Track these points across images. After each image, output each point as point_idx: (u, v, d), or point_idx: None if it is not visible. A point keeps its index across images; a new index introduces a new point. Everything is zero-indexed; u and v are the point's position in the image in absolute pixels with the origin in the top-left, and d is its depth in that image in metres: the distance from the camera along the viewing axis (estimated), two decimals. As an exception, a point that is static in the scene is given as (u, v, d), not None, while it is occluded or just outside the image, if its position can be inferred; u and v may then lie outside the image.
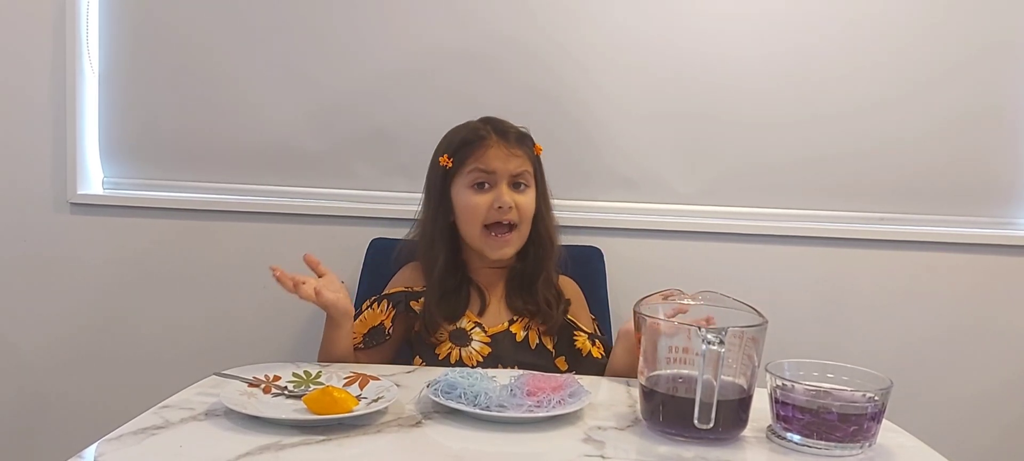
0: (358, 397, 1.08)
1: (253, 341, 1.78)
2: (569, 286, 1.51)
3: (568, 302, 1.45)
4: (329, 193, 1.78)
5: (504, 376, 1.15)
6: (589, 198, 1.77)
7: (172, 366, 1.78)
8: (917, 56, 1.72)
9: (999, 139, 1.75)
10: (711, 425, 0.96)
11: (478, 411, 1.03)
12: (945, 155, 1.75)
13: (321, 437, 0.96)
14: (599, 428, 1.04)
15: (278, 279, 1.22)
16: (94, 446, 0.91)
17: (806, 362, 1.06)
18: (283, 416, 1.01)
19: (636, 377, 1.07)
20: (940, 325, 1.80)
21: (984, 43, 1.72)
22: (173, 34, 1.74)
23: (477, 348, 1.37)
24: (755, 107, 1.73)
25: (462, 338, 1.37)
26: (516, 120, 1.48)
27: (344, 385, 1.12)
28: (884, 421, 1.01)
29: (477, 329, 1.39)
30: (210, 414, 1.02)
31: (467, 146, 1.42)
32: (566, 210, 1.66)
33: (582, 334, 1.42)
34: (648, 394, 1.04)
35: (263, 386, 1.11)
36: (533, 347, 1.40)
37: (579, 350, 1.40)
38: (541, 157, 1.49)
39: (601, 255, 1.69)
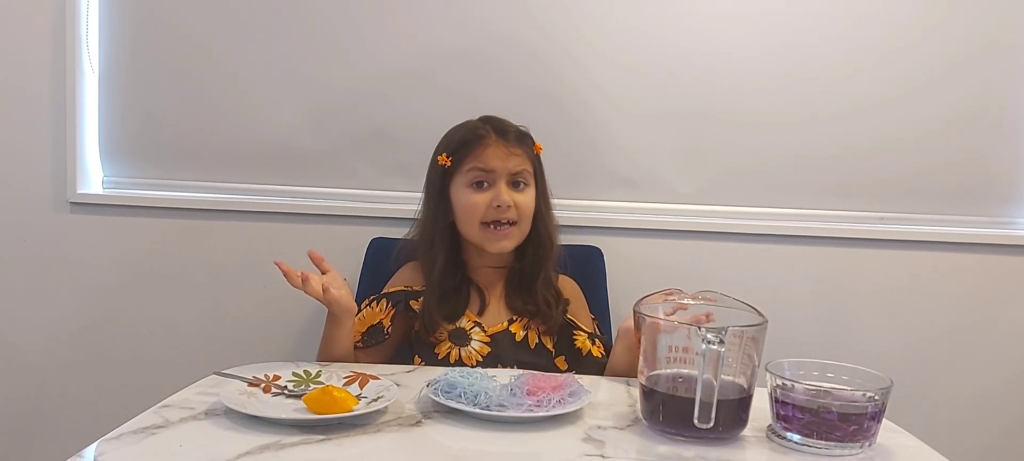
0: (358, 396, 1.08)
1: (253, 340, 1.78)
2: (569, 286, 1.51)
3: (567, 302, 1.45)
4: (329, 193, 1.78)
5: (504, 376, 1.15)
6: (589, 198, 1.77)
7: (172, 365, 1.78)
8: (917, 56, 1.72)
9: (999, 139, 1.75)
10: (711, 425, 0.96)
11: (478, 411, 1.03)
12: (945, 155, 1.75)
13: (321, 436, 0.96)
14: (599, 428, 1.04)
15: (285, 274, 1.22)
16: (94, 446, 0.91)
17: (806, 362, 1.06)
18: (283, 416, 1.01)
19: (636, 376, 1.07)
20: (940, 324, 1.80)
21: (984, 43, 1.72)
22: (173, 34, 1.74)
23: (476, 348, 1.37)
24: (755, 107, 1.74)
25: (462, 338, 1.37)
26: (516, 120, 1.48)
27: (344, 384, 1.12)
28: (884, 421, 1.01)
29: (477, 329, 1.39)
30: (210, 413, 1.02)
31: (466, 145, 1.42)
32: (566, 210, 1.66)
33: (582, 333, 1.42)
34: (648, 394, 1.04)
35: (263, 386, 1.11)
36: (533, 347, 1.40)
37: (579, 349, 1.40)
38: (541, 157, 1.49)
39: (601, 255, 1.69)
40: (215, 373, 1.16)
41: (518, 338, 1.40)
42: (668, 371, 1.03)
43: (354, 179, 1.77)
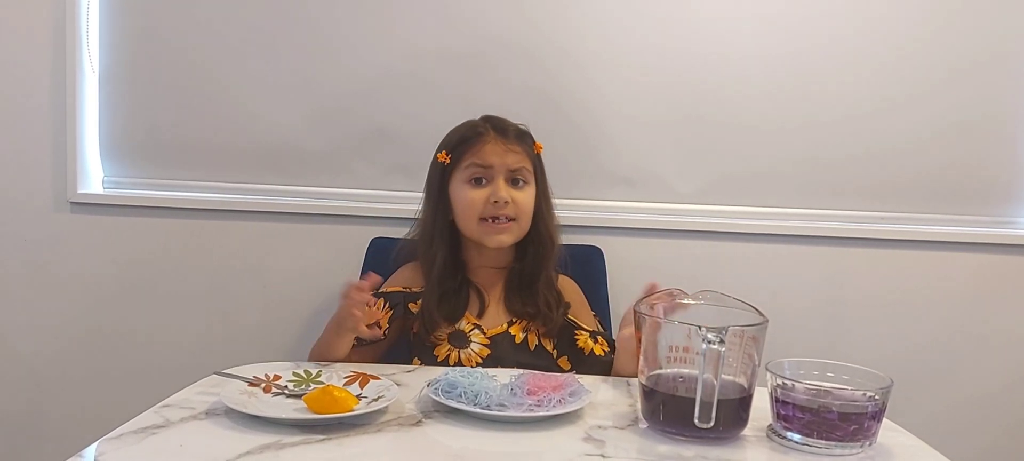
0: (358, 396, 1.08)
1: (253, 340, 1.78)
2: (569, 286, 1.51)
3: (568, 305, 1.45)
4: (329, 193, 1.78)
5: (504, 375, 1.15)
6: (589, 198, 1.77)
7: (172, 365, 1.78)
8: (918, 61, 1.72)
9: (999, 141, 1.75)
10: (711, 424, 0.96)
11: (478, 410, 1.03)
12: (945, 156, 1.75)
13: (321, 436, 0.96)
14: (599, 427, 1.04)
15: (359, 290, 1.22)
16: (94, 446, 0.91)
17: (806, 361, 1.06)
18: (283, 415, 1.01)
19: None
20: (940, 324, 1.80)
21: (984, 48, 1.72)
22: (173, 34, 1.74)
23: (476, 350, 1.36)
24: (755, 108, 1.73)
25: (461, 340, 1.37)
26: (516, 120, 1.48)
27: (344, 384, 1.12)
28: (884, 420, 1.01)
29: (476, 331, 1.39)
30: (210, 413, 1.02)
31: (464, 142, 1.42)
32: (566, 209, 1.66)
33: (583, 333, 1.42)
34: (648, 393, 1.04)
35: (263, 385, 1.11)
36: (532, 349, 1.40)
37: (582, 349, 1.40)
38: (542, 157, 1.49)
39: (601, 254, 1.69)
40: (215, 373, 1.16)
41: (518, 340, 1.40)
42: (668, 371, 1.03)
43: (354, 179, 1.77)
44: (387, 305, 1.40)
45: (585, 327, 1.43)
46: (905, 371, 1.71)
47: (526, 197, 1.42)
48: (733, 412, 1.00)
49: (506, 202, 1.38)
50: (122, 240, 1.79)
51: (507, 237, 1.41)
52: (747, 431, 1.03)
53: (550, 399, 1.05)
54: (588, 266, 1.65)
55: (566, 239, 1.57)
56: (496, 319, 1.42)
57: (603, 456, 0.94)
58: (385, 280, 1.50)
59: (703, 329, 0.96)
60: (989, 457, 1.83)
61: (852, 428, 0.98)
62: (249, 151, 1.77)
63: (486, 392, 1.05)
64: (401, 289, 1.44)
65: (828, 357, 1.08)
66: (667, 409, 1.01)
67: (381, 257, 1.60)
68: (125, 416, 0.99)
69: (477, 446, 0.97)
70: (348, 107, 1.75)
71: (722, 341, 0.95)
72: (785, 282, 1.78)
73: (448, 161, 1.43)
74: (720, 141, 1.75)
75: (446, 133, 1.48)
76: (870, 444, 1.00)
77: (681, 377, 1.02)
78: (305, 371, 1.19)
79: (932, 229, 1.77)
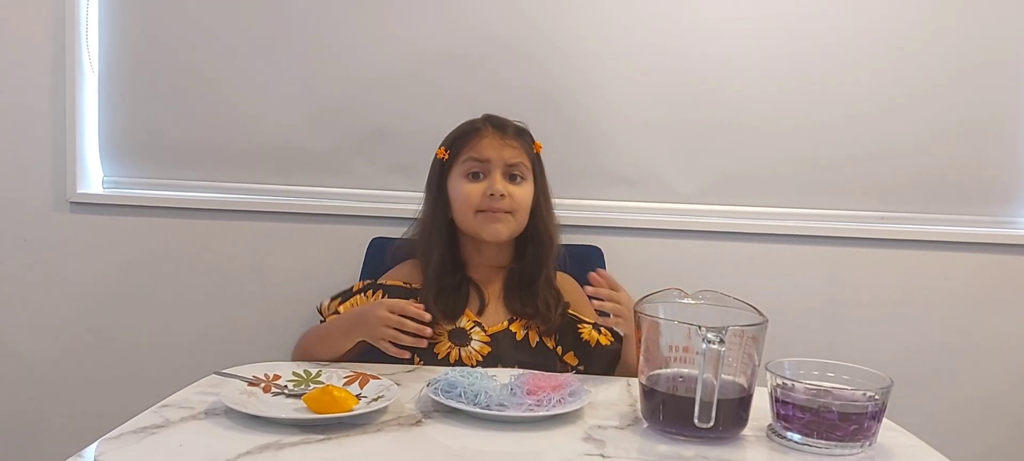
0: (358, 396, 1.08)
1: (253, 340, 1.78)
2: (567, 283, 1.51)
3: (567, 304, 1.45)
4: (329, 192, 1.78)
5: (504, 375, 1.15)
6: (589, 197, 1.77)
7: (172, 365, 1.78)
8: (918, 61, 1.72)
9: (999, 141, 1.75)
10: (711, 424, 0.96)
11: (478, 410, 1.03)
12: (946, 157, 1.75)
13: (321, 436, 0.96)
14: (599, 427, 1.04)
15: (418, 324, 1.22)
16: (94, 445, 0.91)
17: (806, 361, 1.06)
18: (283, 415, 1.01)
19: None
20: (940, 324, 1.80)
21: (984, 48, 1.72)
22: (173, 34, 1.74)
23: (477, 347, 1.36)
24: (755, 108, 1.74)
25: (461, 337, 1.37)
26: (516, 120, 1.48)
27: (344, 384, 1.12)
28: (884, 420, 1.01)
29: (477, 328, 1.39)
30: (210, 413, 1.02)
31: (462, 137, 1.43)
32: (566, 209, 1.66)
33: (586, 325, 1.42)
34: (648, 393, 1.04)
35: (263, 385, 1.11)
36: (533, 346, 1.40)
37: (587, 342, 1.40)
38: (542, 156, 1.49)
39: (601, 254, 1.69)
40: (215, 373, 1.16)
41: (519, 337, 1.40)
42: (668, 370, 1.03)
43: (354, 179, 1.77)
44: (385, 296, 1.40)
45: (586, 319, 1.43)
46: (905, 371, 1.70)
47: (523, 193, 1.42)
48: (733, 412, 1.00)
49: (502, 195, 1.38)
50: (122, 240, 1.79)
51: (502, 227, 1.40)
52: (747, 431, 1.03)
53: (550, 399, 1.05)
54: (588, 266, 1.63)
55: (566, 239, 1.56)
56: (496, 317, 1.42)
57: (603, 456, 0.94)
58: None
59: (703, 329, 0.96)
60: (989, 457, 1.83)
61: (852, 428, 0.98)
62: (249, 151, 1.77)
63: (486, 392, 1.05)
64: (401, 284, 1.43)
65: (828, 357, 1.08)
66: (667, 409, 1.01)
67: (381, 257, 1.60)
68: (125, 416, 0.99)
69: (477, 446, 0.97)
70: (348, 107, 1.75)
71: (722, 341, 0.95)
72: (785, 282, 1.78)
73: (446, 157, 1.44)
74: (720, 141, 1.75)
75: (447, 133, 1.48)
76: (870, 444, 1.00)
77: (681, 377, 1.02)
78: (305, 371, 1.19)
79: (932, 229, 1.77)
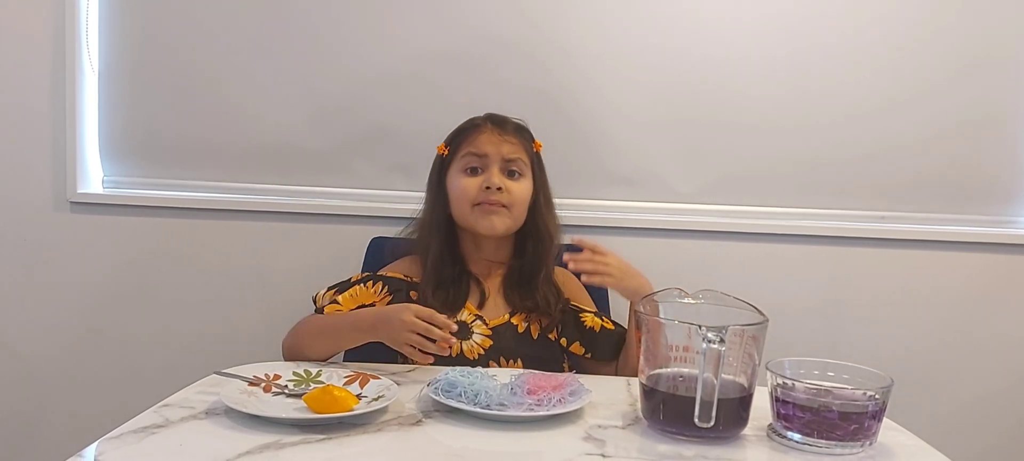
0: (358, 396, 1.08)
1: (253, 340, 1.78)
2: (566, 278, 1.51)
3: (566, 301, 1.45)
4: (329, 192, 1.78)
5: (504, 375, 1.15)
6: (589, 197, 1.77)
7: (172, 365, 1.79)
8: (918, 61, 1.72)
9: (999, 140, 1.75)
10: (712, 424, 0.96)
11: (478, 410, 1.03)
12: (946, 156, 1.76)
13: (321, 436, 0.96)
14: (599, 427, 1.04)
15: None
16: (94, 445, 0.91)
17: (807, 360, 1.06)
18: (283, 415, 1.01)
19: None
20: (940, 323, 1.80)
21: (983, 48, 1.72)
22: (173, 33, 1.74)
23: (478, 341, 1.36)
24: (755, 108, 1.74)
25: (463, 331, 1.36)
26: (516, 118, 1.48)
27: (344, 384, 1.12)
28: (885, 420, 1.01)
29: (478, 322, 1.39)
30: (210, 413, 1.02)
31: (462, 133, 1.44)
32: (566, 209, 1.65)
33: (588, 314, 1.43)
34: (649, 392, 1.03)
35: (263, 385, 1.11)
36: (536, 338, 1.40)
37: (591, 328, 1.41)
38: (542, 156, 1.49)
39: (601, 254, 1.69)
40: (215, 372, 1.16)
41: (520, 330, 1.40)
42: (669, 370, 1.03)
43: (354, 178, 1.77)
44: (386, 289, 1.40)
45: (588, 309, 1.44)
46: (905, 370, 1.71)
47: (521, 188, 1.42)
48: (733, 411, 1.00)
49: (499, 188, 1.38)
50: (122, 240, 1.79)
51: (497, 221, 1.40)
52: (747, 430, 1.03)
53: (550, 399, 1.05)
54: (588, 266, 1.64)
55: (566, 239, 1.56)
56: (497, 310, 1.42)
57: (603, 456, 0.94)
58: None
59: (703, 328, 0.96)
60: (990, 457, 1.83)
61: (852, 428, 0.97)
62: (249, 151, 1.77)
63: (486, 391, 1.05)
64: (401, 276, 1.43)
65: (828, 356, 1.08)
66: (667, 408, 1.01)
67: (381, 257, 1.60)
68: (125, 416, 0.99)
69: (477, 446, 0.97)
70: (348, 107, 1.75)
71: (722, 340, 0.95)
72: (785, 282, 1.78)
73: (446, 153, 1.45)
74: (720, 141, 1.75)
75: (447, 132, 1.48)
76: (870, 444, 0.99)
77: (681, 376, 1.02)
78: (305, 370, 1.19)
79: (932, 229, 1.77)
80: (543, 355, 1.38)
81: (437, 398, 1.06)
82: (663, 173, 1.76)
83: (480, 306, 1.41)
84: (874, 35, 1.72)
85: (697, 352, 0.97)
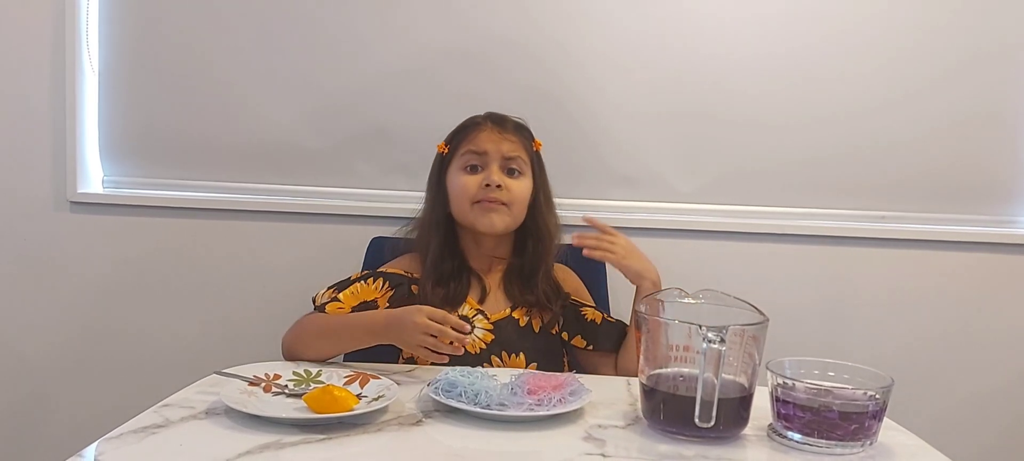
0: (358, 396, 1.08)
1: (253, 340, 1.77)
2: (566, 274, 1.51)
3: (567, 296, 1.46)
4: (329, 192, 1.78)
5: (504, 374, 1.15)
6: (589, 197, 1.76)
7: (172, 365, 1.79)
8: (918, 58, 1.72)
9: (1000, 139, 1.75)
10: (712, 423, 0.96)
11: (478, 410, 1.03)
12: (946, 155, 1.75)
13: (321, 436, 0.96)
14: (600, 426, 1.04)
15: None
16: (94, 445, 0.91)
17: (807, 360, 1.06)
18: (283, 415, 1.01)
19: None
20: (940, 323, 1.80)
21: (984, 45, 1.72)
22: (173, 33, 1.74)
23: (480, 335, 1.36)
24: (756, 106, 1.74)
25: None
26: (516, 118, 1.48)
27: (344, 384, 1.12)
28: (885, 419, 1.01)
29: (479, 317, 1.39)
30: (210, 413, 1.02)
31: (462, 131, 1.44)
32: (567, 209, 1.65)
33: (589, 308, 1.44)
34: (649, 392, 1.03)
35: (263, 385, 1.11)
36: (537, 332, 1.41)
37: (593, 321, 1.42)
38: (542, 155, 1.49)
39: (601, 254, 1.69)
40: (215, 372, 1.16)
41: (521, 324, 1.40)
42: (669, 370, 1.03)
43: (354, 178, 1.77)
44: (388, 285, 1.40)
45: (589, 303, 1.46)
46: (905, 370, 1.71)
47: (520, 186, 1.42)
48: (733, 411, 1.00)
49: (498, 186, 1.38)
50: (122, 240, 1.79)
51: (497, 218, 1.39)
52: (747, 430, 1.03)
53: (550, 398, 1.05)
54: (588, 265, 1.64)
55: (566, 239, 1.56)
56: (498, 305, 1.43)
57: (603, 455, 0.94)
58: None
59: (703, 328, 0.96)
60: (989, 456, 1.83)
61: (853, 427, 0.97)
62: (249, 151, 1.77)
63: (486, 391, 1.05)
64: (402, 273, 1.43)
65: (829, 356, 1.07)
66: (667, 408, 1.01)
67: (381, 257, 1.60)
68: (125, 416, 0.99)
69: (477, 446, 0.97)
70: (348, 106, 1.75)
71: (722, 340, 0.95)
72: (786, 281, 1.78)
73: (446, 151, 1.45)
74: (721, 141, 1.75)
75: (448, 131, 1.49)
76: (871, 443, 0.99)
77: (681, 376, 1.02)
78: (305, 370, 1.19)
79: (932, 229, 1.77)
80: (545, 348, 1.38)
81: (437, 398, 1.06)
82: (663, 172, 1.76)
83: (481, 301, 1.42)
84: (875, 34, 1.72)
85: (697, 352, 0.97)
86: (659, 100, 1.74)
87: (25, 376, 1.84)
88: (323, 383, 1.12)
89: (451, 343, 1.17)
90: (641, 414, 1.06)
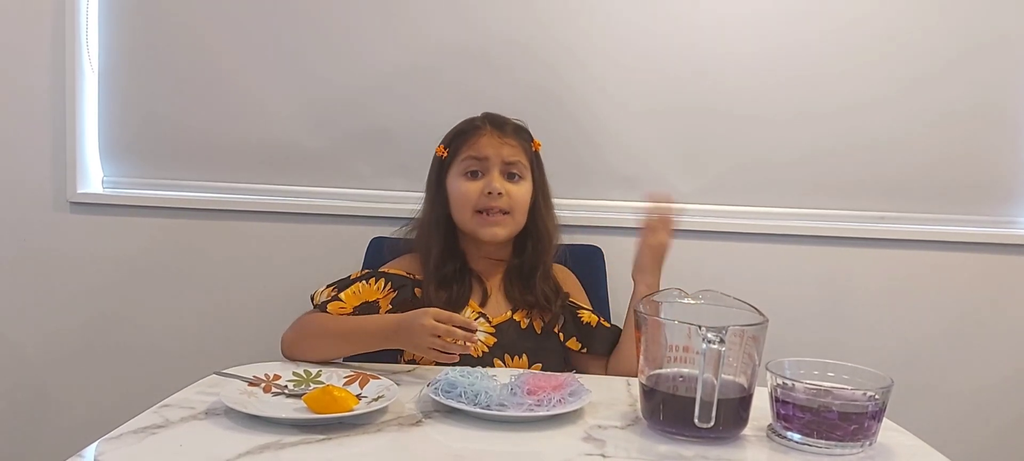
0: (358, 396, 1.08)
1: (253, 340, 1.78)
2: (564, 275, 1.51)
3: (566, 295, 1.46)
4: (329, 192, 1.78)
5: (504, 375, 1.15)
6: (590, 197, 1.77)
7: (172, 365, 1.79)
8: (917, 53, 1.72)
9: (999, 137, 1.75)
10: (712, 424, 0.96)
11: (478, 410, 1.03)
12: (945, 153, 1.75)
13: (321, 436, 0.96)
14: (599, 427, 1.04)
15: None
16: (94, 445, 0.91)
17: (807, 361, 1.06)
18: (283, 415, 1.01)
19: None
20: (940, 323, 1.80)
21: (983, 40, 1.72)
22: (173, 32, 1.74)
23: (482, 338, 1.36)
24: (755, 105, 1.74)
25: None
26: (517, 118, 1.48)
27: (344, 384, 1.12)
28: (885, 420, 1.01)
29: (481, 320, 1.39)
30: (210, 413, 1.02)
31: (461, 135, 1.44)
32: (566, 209, 1.65)
33: (585, 310, 1.44)
34: (648, 393, 1.03)
35: (263, 385, 1.11)
36: (539, 333, 1.41)
37: (588, 323, 1.42)
38: (542, 155, 1.49)
39: (601, 254, 1.69)
40: (215, 373, 1.16)
41: (523, 325, 1.41)
42: (669, 370, 1.03)
43: (354, 179, 1.77)
44: (390, 286, 1.40)
45: (586, 306, 1.46)
46: (905, 370, 1.70)
47: (521, 191, 1.42)
48: (733, 412, 1.00)
49: (500, 193, 1.38)
50: (122, 240, 1.79)
51: (500, 230, 1.40)
52: (747, 431, 1.03)
53: (550, 399, 1.05)
54: (588, 266, 1.65)
55: (566, 239, 1.57)
56: (499, 308, 1.43)
57: (603, 456, 0.94)
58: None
59: (703, 328, 0.96)
60: (989, 456, 1.83)
61: (852, 428, 0.98)
62: (249, 151, 1.77)
63: (486, 392, 1.05)
64: (403, 273, 1.43)
65: (828, 356, 1.08)
66: (667, 409, 1.01)
67: (381, 257, 1.60)
68: (125, 415, 0.99)
69: (477, 446, 0.97)
70: (349, 106, 1.75)
71: (722, 341, 0.95)
72: (785, 281, 1.78)
73: (445, 155, 1.44)
74: (721, 140, 1.75)
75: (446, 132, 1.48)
76: (870, 444, 1.00)
77: (681, 377, 1.02)
78: (305, 371, 1.19)
79: (932, 229, 1.77)
80: (547, 350, 1.38)
81: (437, 398, 1.06)
82: (664, 172, 1.76)
83: (482, 304, 1.42)
84: (875, 32, 1.71)
85: (697, 352, 0.97)
86: (660, 99, 1.74)
87: (25, 376, 1.84)
88: (323, 383, 1.12)
89: (459, 343, 1.17)
90: (641, 414, 1.06)
